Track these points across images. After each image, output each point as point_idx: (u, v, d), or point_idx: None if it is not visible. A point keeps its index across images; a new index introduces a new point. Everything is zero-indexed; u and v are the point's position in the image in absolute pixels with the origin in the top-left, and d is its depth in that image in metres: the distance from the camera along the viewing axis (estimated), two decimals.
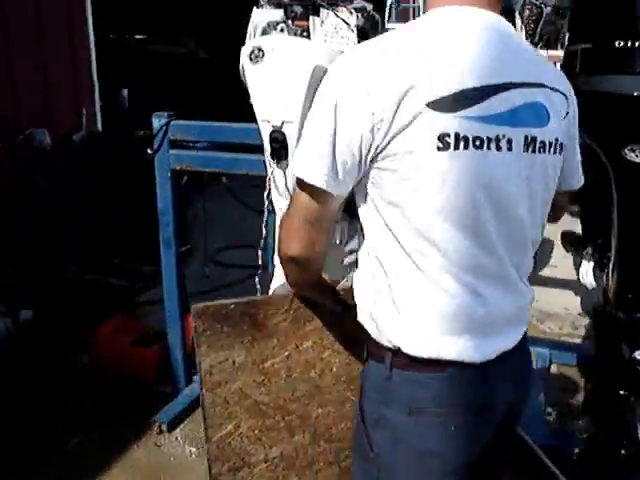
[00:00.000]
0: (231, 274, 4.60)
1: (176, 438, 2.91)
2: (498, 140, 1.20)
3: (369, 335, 1.34)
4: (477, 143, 1.17)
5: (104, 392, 3.16)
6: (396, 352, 1.27)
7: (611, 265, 2.25)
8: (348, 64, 1.23)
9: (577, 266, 2.45)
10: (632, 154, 2.12)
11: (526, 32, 6.56)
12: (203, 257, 4.45)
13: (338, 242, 1.97)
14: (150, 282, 4.24)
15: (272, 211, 2.17)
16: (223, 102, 6.03)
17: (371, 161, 1.21)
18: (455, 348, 1.25)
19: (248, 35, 2.06)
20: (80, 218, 4.44)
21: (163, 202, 2.89)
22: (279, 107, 1.96)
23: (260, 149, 2.34)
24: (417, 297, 1.24)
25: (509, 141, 1.21)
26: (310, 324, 1.72)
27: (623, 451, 2.26)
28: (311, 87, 1.92)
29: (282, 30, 2.00)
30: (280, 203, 2.13)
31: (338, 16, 1.99)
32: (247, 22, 2.03)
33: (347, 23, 2.01)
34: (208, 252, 4.56)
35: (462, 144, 1.16)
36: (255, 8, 2.08)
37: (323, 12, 2.00)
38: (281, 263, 1.41)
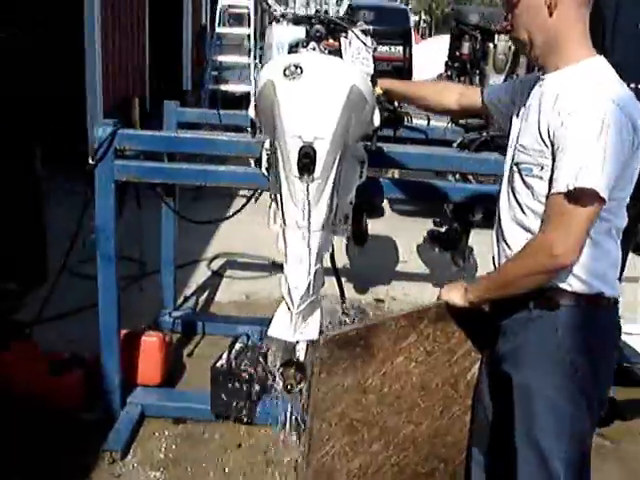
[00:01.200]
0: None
1: (133, 465, 2.75)
2: None
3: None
4: None
5: (27, 431, 2.85)
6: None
7: None
8: (617, 105, 1.56)
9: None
10: None
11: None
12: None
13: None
14: (17, 302, 3.84)
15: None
16: None
17: None
18: None
19: (270, 50, 2.05)
20: None
21: (103, 216, 2.68)
22: (313, 123, 1.99)
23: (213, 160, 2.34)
24: None
25: None
26: (405, 340, 1.83)
27: None
28: (346, 106, 2.00)
29: (314, 49, 2.02)
30: (297, 216, 2.15)
31: (359, 38, 2.08)
32: None
33: (367, 45, 2.11)
34: None
35: None
36: (275, 24, 2.08)
37: (349, 34, 2.07)
38: (544, 263, 1.65)
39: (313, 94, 1.96)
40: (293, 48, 2.04)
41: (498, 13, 2.54)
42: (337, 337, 1.73)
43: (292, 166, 2.05)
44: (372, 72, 2.11)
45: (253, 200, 2.87)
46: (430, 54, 9.46)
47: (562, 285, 1.73)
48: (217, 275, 4.97)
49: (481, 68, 4.71)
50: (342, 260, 5.24)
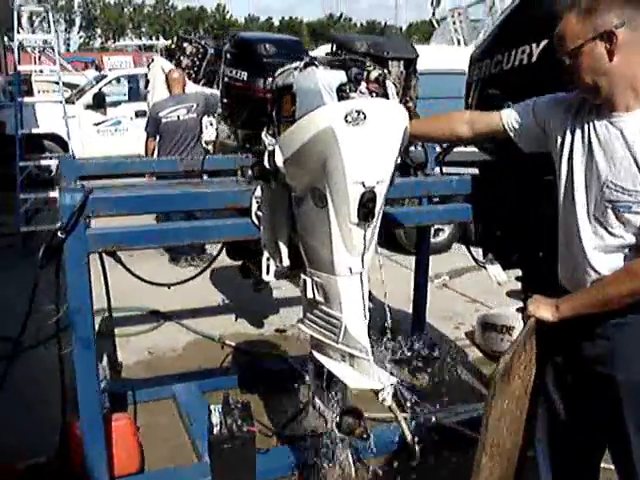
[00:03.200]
0: None
1: None
2: None
3: None
4: None
5: None
6: None
7: None
8: None
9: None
10: None
11: (190, 68, 6.81)
12: None
13: None
14: None
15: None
16: None
17: None
18: None
19: (316, 95, 1.95)
20: None
21: (78, 295, 2.30)
22: (376, 168, 1.96)
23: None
24: None
25: None
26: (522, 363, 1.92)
27: None
28: (400, 147, 1.99)
29: (362, 93, 1.96)
30: (351, 263, 2.09)
31: (390, 80, 2.07)
32: None
33: (396, 86, 2.10)
34: None
35: None
36: (315, 68, 1.98)
37: (385, 74, 2.04)
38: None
39: (377, 139, 1.92)
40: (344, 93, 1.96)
41: (382, 41, 2.66)
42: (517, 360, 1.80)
43: (351, 212, 1.98)
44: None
45: None
46: None
47: None
48: (106, 336, 4.52)
49: None
50: (238, 297, 5.12)
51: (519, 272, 2.89)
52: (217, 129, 6.84)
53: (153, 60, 7.89)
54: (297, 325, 2.44)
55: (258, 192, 2.44)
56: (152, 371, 4.02)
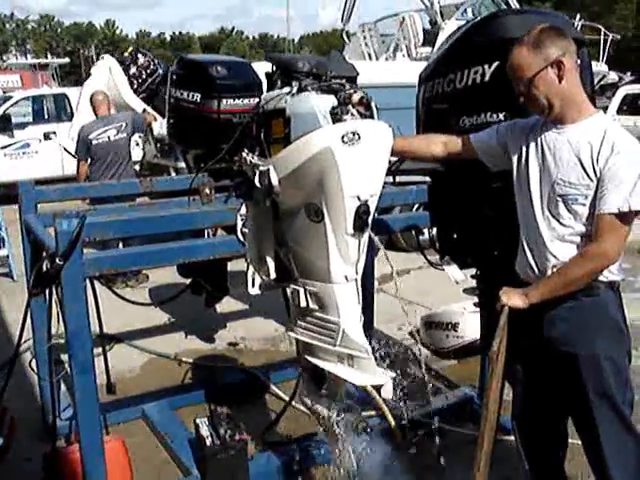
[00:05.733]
0: None
1: None
2: None
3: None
4: None
5: None
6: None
7: None
8: None
9: None
10: None
11: (136, 78, 6.79)
12: None
13: None
14: None
15: None
16: None
17: None
18: None
19: (312, 118, 2.11)
20: None
21: (76, 321, 2.35)
22: (370, 183, 2.15)
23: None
24: None
25: None
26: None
27: None
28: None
29: (352, 115, 2.14)
30: (347, 271, 2.26)
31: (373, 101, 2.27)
32: None
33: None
34: None
35: None
36: (309, 94, 2.14)
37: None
38: (601, 265, 2.18)
39: (370, 157, 2.10)
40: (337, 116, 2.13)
41: (324, 61, 2.86)
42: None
43: (347, 225, 2.15)
44: None
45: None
46: None
47: (600, 278, 2.24)
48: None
49: None
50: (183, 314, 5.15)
51: (474, 271, 3.17)
52: (144, 149, 6.88)
53: (103, 57, 7.77)
54: (287, 333, 2.58)
55: (243, 210, 2.57)
56: (114, 393, 4.02)
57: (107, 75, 7.17)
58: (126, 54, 7.27)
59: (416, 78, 3.15)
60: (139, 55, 6.98)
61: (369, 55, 10.68)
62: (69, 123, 8.54)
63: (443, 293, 4.99)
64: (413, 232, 5.04)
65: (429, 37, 10.20)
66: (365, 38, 10.78)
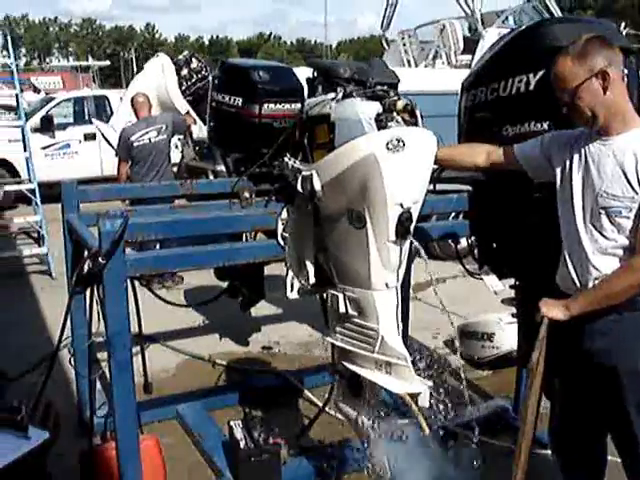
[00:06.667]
0: None
1: None
2: None
3: None
4: None
5: None
6: None
7: None
8: None
9: None
10: None
11: (186, 80, 6.93)
12: None
13: None
14: None
15: None
16: None
17: None
18: None
19: (357, 125, 2.11)
20: None
21: (117, 321, 2.38)
22: (413, 190, 2.14)
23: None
24: None
25: None
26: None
27: None
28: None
29: (397, 122, 2.14)
30: (388, 278, 2.25)
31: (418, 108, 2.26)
32: None
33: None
34: None
35: None
36: (354, 100, 2.14)
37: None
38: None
39: (414, 164, 2.10)
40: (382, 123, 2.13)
41: (365, 67, 2.85)
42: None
43: (389, 231, 2.14)
44: None
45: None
46: None
47: None
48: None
49: None
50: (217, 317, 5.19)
51: (512, 281, 3.14)
52: (182, 151, 6.94)
53: (158, 55, 7.93)
54: (324, 338, 2.58)
55: (284, 214, 2.58)
56: (151, 393, 4.06)
57: (159, 72, 7.30)
58: (181, 57, 7.41)
59: (456, 85, 3.13)
60: (193, 59, 7.12)
61: (408, 62, 10.66)
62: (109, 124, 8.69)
63: (478, 302, 4.96)
64: (450, 241, 5.09)
65: (469, 45, 10.12)
66: (405, 45, 10.76)
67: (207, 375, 4.32)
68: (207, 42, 79.01)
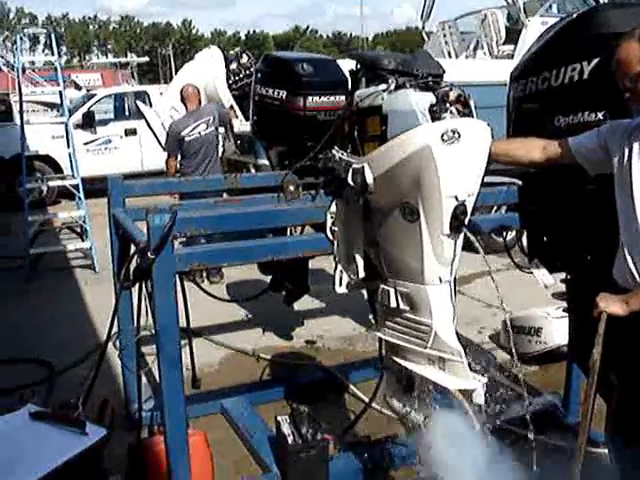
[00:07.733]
0: None
1: None
2: None
3: None
4: None
5: None
6: None
7: None
8: None
9: None
10: None
11: (235, 74, 7.04)
12: None
13: None
14: None
15: None
16: None
17: None
18: None
19: (411, 116, 2.07)
20: None
21: (166, 315, 2.38)
22: (468, 183, 2.08)
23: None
24: None
25: None
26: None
27: None
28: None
29: (452, 112, 2.09)
30: (441, 272, 2.21)
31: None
32: None
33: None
34: None
35: None
36: (407, 91, 2.10)
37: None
38: None
39: (469, 156, 2.05)
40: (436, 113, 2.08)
41: (410, 58, 2.78)
42: None
43: (444, 225, 2.10)
44: None
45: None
46: None
47: None
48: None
49: None
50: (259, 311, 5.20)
51: (563, 275, 3.05)
52: (224, 145, 6.95)
53: (210, 47, 8.07)
54: (373, 332, 2.54)
55: (333, 208, 2.55)
56: (198, 388, 4.07)
57: (209, 63, 7.40)
58: (232, 52, 7.54)
59: (498, 76, 3.05)
60: (244, 54, 7.26)
61: (449, 53, 10.54)
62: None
63: (522, 297, 4.85)
64: (493, 234, 4.99)
65: (511, 35, 9.95)
66: (445, 36, 10.64)
67: (251, 370, 4.31)
68: (244, 37, 79.37)
